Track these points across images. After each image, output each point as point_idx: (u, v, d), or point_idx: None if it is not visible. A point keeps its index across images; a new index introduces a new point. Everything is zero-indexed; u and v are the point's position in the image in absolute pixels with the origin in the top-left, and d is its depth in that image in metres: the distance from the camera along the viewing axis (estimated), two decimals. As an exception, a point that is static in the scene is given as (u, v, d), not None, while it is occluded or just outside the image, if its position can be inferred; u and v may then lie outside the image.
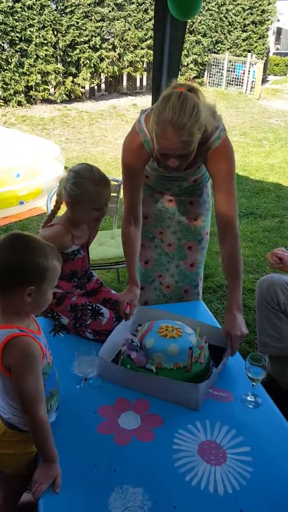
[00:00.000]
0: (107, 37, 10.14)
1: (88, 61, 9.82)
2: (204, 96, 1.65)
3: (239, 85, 12.04)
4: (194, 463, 1.40)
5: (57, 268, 1.28)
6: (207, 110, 1.63)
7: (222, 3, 12.16)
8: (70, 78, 9.77)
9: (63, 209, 1.93)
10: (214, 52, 12.55)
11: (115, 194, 3.06)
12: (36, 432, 1.26)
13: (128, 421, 1.53)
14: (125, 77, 11.02)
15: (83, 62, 9.83)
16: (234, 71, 12.09)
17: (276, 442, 1.49)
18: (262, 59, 12.94)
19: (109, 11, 9.88)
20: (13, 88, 8.89)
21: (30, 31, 8.88)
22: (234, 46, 12.99)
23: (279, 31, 19.71)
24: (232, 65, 12.06)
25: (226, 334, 1.74)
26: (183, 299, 2.30)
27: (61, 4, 9.32)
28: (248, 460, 1.41)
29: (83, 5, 9.49)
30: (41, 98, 9.37)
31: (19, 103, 9.05)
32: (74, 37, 9.55)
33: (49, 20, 9.13)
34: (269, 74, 15.23)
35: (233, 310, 1.77)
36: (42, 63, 9.19)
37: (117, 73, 10.55)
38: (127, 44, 10.36)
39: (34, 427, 1.25)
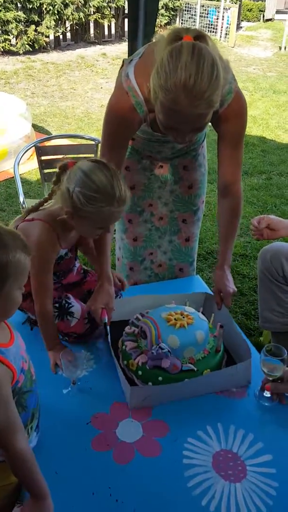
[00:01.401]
0: (71, -20, 9.34)
1: (51, 8, 9.04)
2: (213, 41, 1.26)
3: (213, 31, 11.42)
4: (210, 481, 1.18)
5: (23, 262, 0.99)
6: (220, 62, 1.25)
7: None
8: (33, 26, 9.01)
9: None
10: (186, -4, 11.81)
11: (92, 155, 2.73)
12: (17, 467, 1.00)
13: (128, 431, 1.30)
14: (92, 25, 10.27)
15: (45, 8, 9.05)
16: (207, 17, 11.43)
17: (300, 444, 1.29)
18: (235, 3, 12.27)
19: None
20: None
21: (-15, -27, 8.06)
22: (206, -11, 12.24)
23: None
24: (205, 10, 11.38)
25: (217, 291, 1.63)
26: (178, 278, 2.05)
27: None
28: (272, 473, 1.21)
29: None
30: (2, 49, 8.65)
31: (-22, 55, 8.34)
32: (35, -20, 8.74)
33: None
34: (242, 20, 14.56)
35: (224, 267, 1.65)
36: (0, 11, 8.41)
37: (83, 20, 9.80)
38: (93, -12, 9.59)
39: (14, 462, 1.00)
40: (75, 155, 2.79)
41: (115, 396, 1.40)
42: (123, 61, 1.53)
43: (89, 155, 2.72)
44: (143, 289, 1.96)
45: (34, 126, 5.16)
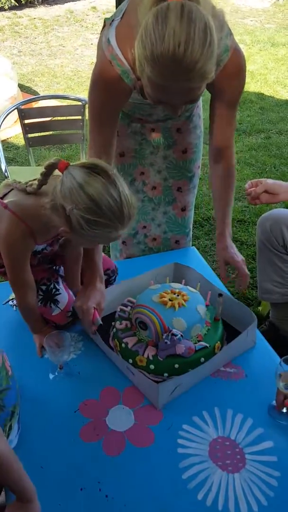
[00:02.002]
0: None
1: None
2: None
3: (208, -20, 10.85)
4: (206, 472, 1.10)
5: None
6: (214, 20, 1.05)
7: None
8: (18, -22, 8.53)
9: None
10: None
11: (80, 117, 2.56)
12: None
13: (118, 419, 1.21)
14: (80, -24, 9.73)
15: None
16: None
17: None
18: None
19: None
20: None
21: None
22: None
23: None
24: None
25: (222, 264, 1.51)
26: None
27: None
28: (273, 461, 1.13)
29: None
30: (-14, 4, 8.21)
31: None
32: None
33: None
34: None
35: (226, 235, 1.52)
36: None
37: None
38: None
39: None
40: (61, 117, 2.62)
41: (106, 381, 1.31)
42: (104, 21, 1.34)
43: (76, 117, 2.56)
44: (137, 262, 1.84)
45: (21, 86, 4.92)
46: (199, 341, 1.33)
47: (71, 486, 1.07)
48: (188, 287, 1.45)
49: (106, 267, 1.52)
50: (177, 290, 1.39)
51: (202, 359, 1.30)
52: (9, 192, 1.30)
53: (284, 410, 1.22)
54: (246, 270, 1.50)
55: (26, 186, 1.23)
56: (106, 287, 1.57)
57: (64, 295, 1.43)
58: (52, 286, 1.43)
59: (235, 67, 1.30)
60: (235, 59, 1.29)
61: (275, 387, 1.21)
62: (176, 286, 1.43)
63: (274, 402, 1.24)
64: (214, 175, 1.54)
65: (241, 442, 1.16)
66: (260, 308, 2.23)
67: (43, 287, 1.42)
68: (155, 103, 1.18)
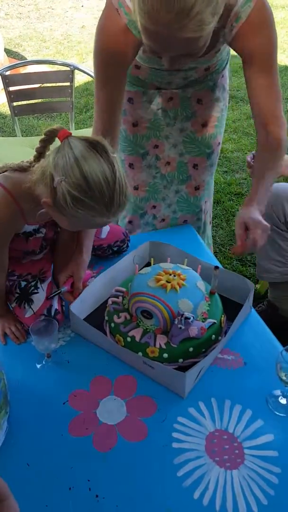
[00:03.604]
0: None
1: None
2: None
3: None
4: (203, 468, 1.04)
5: None
6: None
7: None
8: None
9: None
10: None
11: (68, 84, 2.41)
12: None
13: (109, 411, 1.14)
14: None
15: None
16: None
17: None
18: None
19: None
20: None
21: None
22: None
23: None
24: None
25: (241, 227, 1.18)
26: None
27: None
28: (273, 456, 1.06)
29: None
30: None
31: None
32: None
33: None
34: None
35: (253, 203, 1.22)
36: None
37: None
38: None
39: None
40: (50, 84, 2.47)
41: (97, 369, 1.23)
42: None
43: (64, 84, 2.40)
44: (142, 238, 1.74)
45: (8, 51, 4.69)
46: (205, 318, 1.27)
47: (59, 485, 1.00)
48: (178, 264, 1.36)
49: (114, 239, 1.51)
50: (170, 270, 1.30)
51: (213, 336, 1.25)
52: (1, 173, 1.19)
53: (284, 401, 1.16)
54: (256, 233, 1.16)
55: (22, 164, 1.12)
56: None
57: (41, 296, 1.31)
58: (31, 284, 1.32)
59: (259, 18, 1.16)
60: (259, 10, 1.15)
61: (276, 376, 1.14)
62: (167, 266, 1.34)
63: (273, 392, 1.18)
64: (259, 148, 1.31)
65: (240, 436, 1.10)
66: (258, 286, 2.16)
67: (23, 283, 1.31)
68: (153, 54, 1.09)
